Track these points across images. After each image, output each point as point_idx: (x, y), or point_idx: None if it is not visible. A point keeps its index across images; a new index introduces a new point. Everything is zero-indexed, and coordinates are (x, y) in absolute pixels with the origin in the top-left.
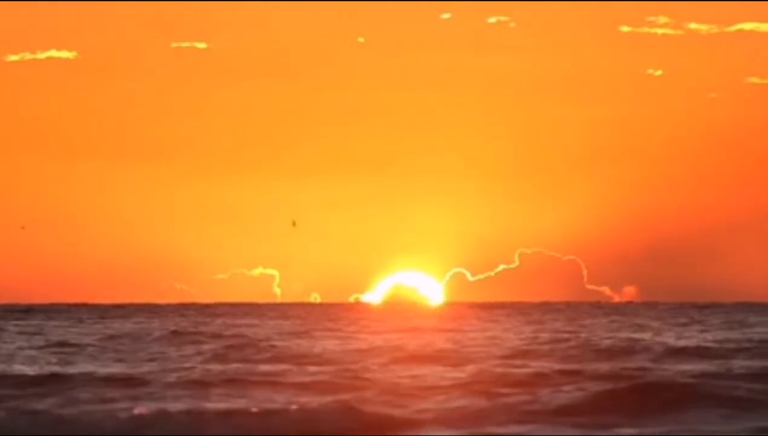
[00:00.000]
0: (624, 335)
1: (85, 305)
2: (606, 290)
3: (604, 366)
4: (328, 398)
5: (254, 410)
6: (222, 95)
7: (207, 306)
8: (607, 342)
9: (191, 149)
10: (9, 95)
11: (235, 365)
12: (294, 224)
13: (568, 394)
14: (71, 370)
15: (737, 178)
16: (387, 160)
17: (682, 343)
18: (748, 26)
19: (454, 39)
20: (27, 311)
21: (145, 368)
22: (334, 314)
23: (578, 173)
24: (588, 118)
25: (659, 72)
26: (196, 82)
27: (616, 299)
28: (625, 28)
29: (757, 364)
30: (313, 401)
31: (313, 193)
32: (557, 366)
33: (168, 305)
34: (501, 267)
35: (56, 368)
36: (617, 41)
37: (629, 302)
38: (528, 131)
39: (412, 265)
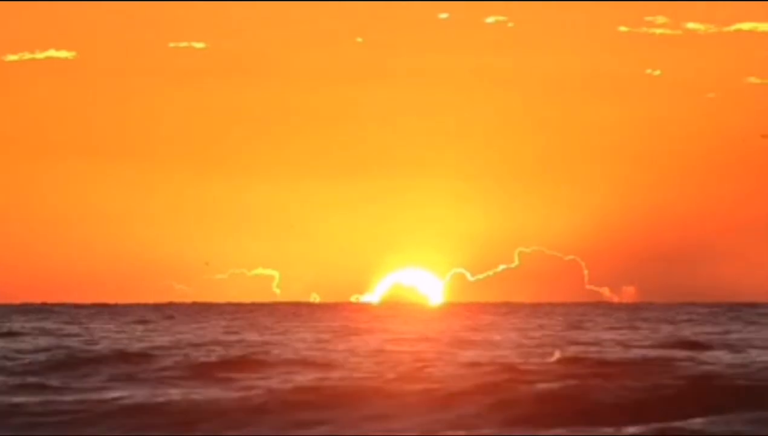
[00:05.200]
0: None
1: (83, 305)
2: (606, 290)
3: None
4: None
5: None
6: (220, 95)
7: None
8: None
9: (191, 149)
10: (8, 95)
11: None
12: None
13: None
14: None
15: (736, 178)
16: (386, 160)
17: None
18: (746, 26)
19: (451, 39)
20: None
21: None
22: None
23: (578, 173)
24: (587, 119)
25: (658, 72)
26: (194, 81)
27: (616, 299)
28: (623, 28)
29: None
30: None
31: (313, 193)
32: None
33: (169, 305)
34: (501, 267)
35: None
36: (615, 41)
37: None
38: (527, 131)
39: (412, 265)
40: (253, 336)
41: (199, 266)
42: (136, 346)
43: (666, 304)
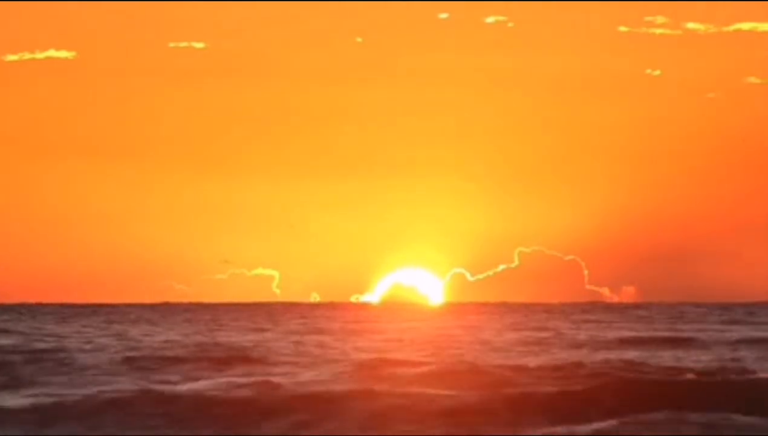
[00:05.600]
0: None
1: (82, 306)
2: (606, 290)
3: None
4: None
5: None
6: (220, 95)
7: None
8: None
9: (190, 149)
10: (8, 95)
11: None
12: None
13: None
14: None
15: (736, 178)
16: (386, 160)
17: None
18: (746, 26)
19: (451, 39)
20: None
21: None
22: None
23: (579, 173)
24: (587, 119)
25: (657, 72)
26: (194, 81)
27: (616, 299)
28: (623, 28)
29: None
30: None
31: (313, 193)
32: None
33: (168, 305)
34: (501, 267)
35: None
36: (615, 41)
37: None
38: (527, 131)
39: (412, 264)
40: (220, 336)
41: (198, 266)
42: (85, 346)
43: (666, 304)
